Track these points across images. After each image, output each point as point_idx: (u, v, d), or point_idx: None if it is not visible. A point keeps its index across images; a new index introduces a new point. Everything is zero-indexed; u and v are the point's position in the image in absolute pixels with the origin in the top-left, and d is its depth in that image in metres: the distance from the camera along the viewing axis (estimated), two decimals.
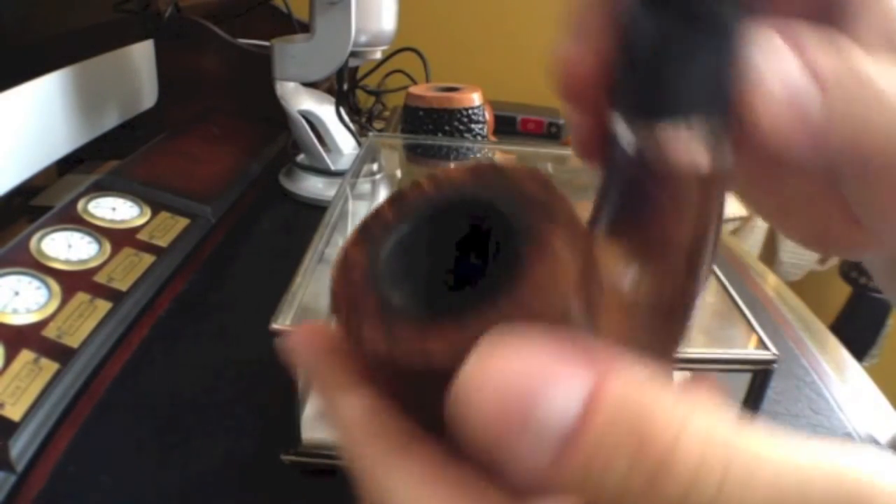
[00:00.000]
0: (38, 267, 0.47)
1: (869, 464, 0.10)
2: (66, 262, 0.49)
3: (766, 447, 0.10)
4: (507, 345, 0.11)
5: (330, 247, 0.47)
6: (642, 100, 0.14)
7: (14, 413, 0.37)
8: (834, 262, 1.21)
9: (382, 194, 0.72)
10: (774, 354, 0.36)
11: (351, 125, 0.77)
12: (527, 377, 0.11)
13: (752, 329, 0.39)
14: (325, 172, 0.75)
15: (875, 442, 0.45)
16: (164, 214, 0.60)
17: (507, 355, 0.11)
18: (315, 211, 0.69)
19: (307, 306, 0.39)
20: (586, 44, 0.16)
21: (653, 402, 0.11)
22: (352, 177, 0.59)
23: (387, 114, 1.08)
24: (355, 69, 0.88)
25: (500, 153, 0.71)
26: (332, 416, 0.15)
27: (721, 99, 0.14)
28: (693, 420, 0.10)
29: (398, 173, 0.72)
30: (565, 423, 0.11)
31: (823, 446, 0.11)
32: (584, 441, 0.11)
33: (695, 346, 0.48)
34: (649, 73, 0.14)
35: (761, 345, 0.37)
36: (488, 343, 0.11)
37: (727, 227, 1.22)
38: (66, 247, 0.51)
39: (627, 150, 0.14)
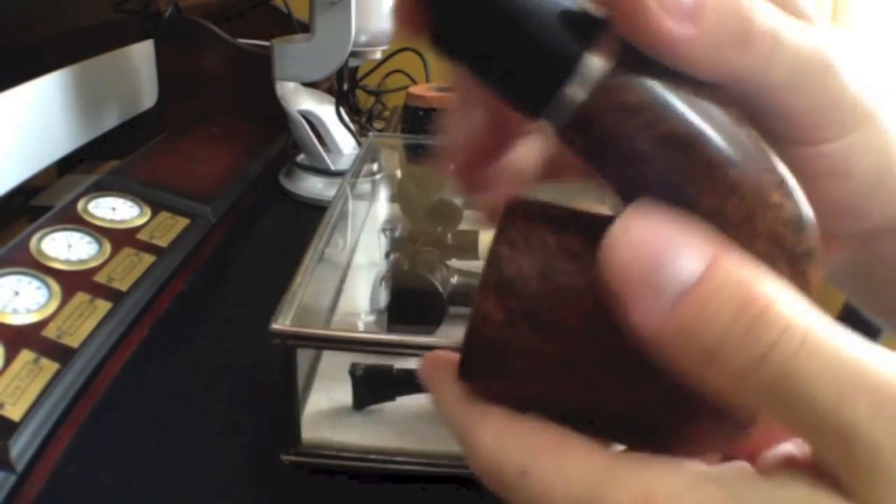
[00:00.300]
0: (38, 267, 0.47)
1: None
2: (66, 262, 0.49)
3: (837, 331, 0.13)
4: (652, 213, 0.14)
5: (330, 247, 0.47)
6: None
7: (14, 413, 0.37)
8: None
9: (382, 194, 0.72)
10: None
11: (351, 125, 0.77)
12: (664, 239, 0.13)
13: None
14: (325, 172, 0.75)
15: None
16: (164, 214, 0.60)
17: (651, 220, 0.13)
18: (315, 211, 0.69)
19: (307, 306, 0.39)
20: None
21: (755, 278, 0.13)
22: (352, 177, 0.59)
23: (387, 114, 1.08)
24: (355, 69, 0.88)
25: None
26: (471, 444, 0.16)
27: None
28: (784, 295, 0.13)
29: (398, 173, 0.72)
30: (686, 279, 0.13)
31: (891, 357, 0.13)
32: (700, 293, 0.13)
33: None
34: None
35: None
36: (637, 207, 0.14)
37: None
38: (66, 247, 0.51)
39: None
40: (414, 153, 0.71)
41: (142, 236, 0.56)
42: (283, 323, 0.35)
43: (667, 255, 0.13)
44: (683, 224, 0.14)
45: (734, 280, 0.13)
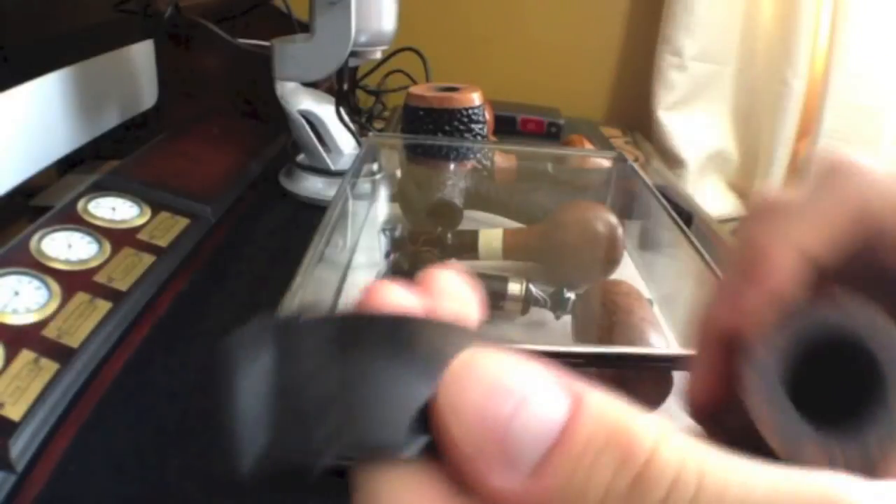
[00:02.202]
0: (38, 267, 0.47)
1: (836, 481, 0.11)
2: (66, 262, 0.49)
3: (735, 464, 0.11)
4: (488, 360, 0.12)
5: (330, 247, 0.47)
6: None
7: (14, 413, 0.37)
8: None
9: (382, 194, 0.72)
10: None
11: (351, 125, 0.77)
12: (510, 382, 0.11)
13: None
14: (325, 172, 0.75)
15: None
16: (164, 214, 0.60)
17: (489, 369, 0.12)
18: (315, 211, 0.69)
19: (307, 306, 0.39)
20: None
21: (629, 418, 0.11)
22: (352, 177, 0.59)
23: (387, 114, 1.08)
24: (355, 69, 0.88)
25: (500, 153, 0.71)
26: None
27: None
28: (668, 435, 0.11)
29: (398, 173, 0.72)
30: (550, 430, 0.11)
31: (791, 469, 0.11)
32: (570, 447, 0.11)
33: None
34: None
35: None
36: (467, 356, 0.12)
37: (727, 227, 1.22)
38: (66, 247, 0.51)
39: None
40: (414, 153, 0.71)
41: (142, 236, 0.56)
42: None
43: (517, 405, 0.11)
44: (526, 362, 0.12)
45: (607, 427, 0.11)
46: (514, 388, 0.11)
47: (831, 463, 0.12)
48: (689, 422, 0.18)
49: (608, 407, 0.11)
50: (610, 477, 0.11)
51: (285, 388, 0.12)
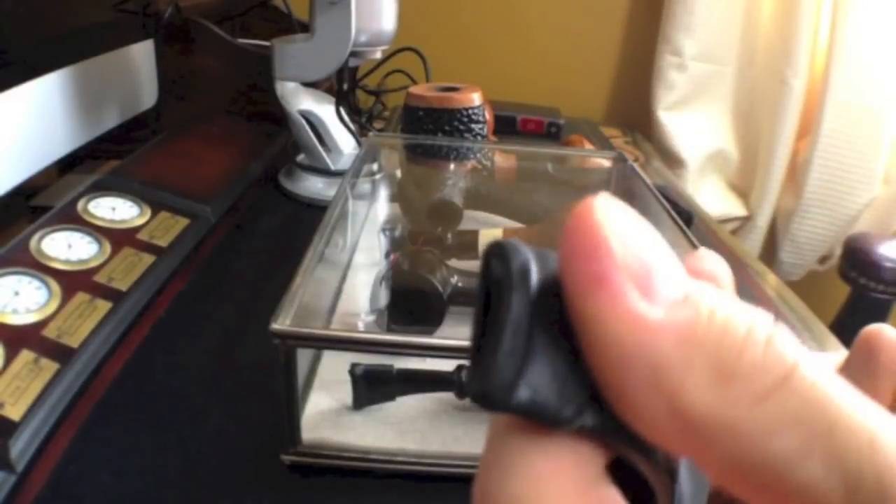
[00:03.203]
0: (38, 267, 0.47)
1: None
2: (66, 262, 0.49)
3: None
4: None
5: (330, 247, 0.47)
6: None
7: (14, 413, 0.37)
8: (834, 262, 1.21)
9: (382, 194, 0.72)
10: None
11: (351, 125, 0.77)
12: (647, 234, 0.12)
13: None
14: (325, 172, 0.75)
15: None
16: (164, 214, 0.60)
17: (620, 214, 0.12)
18: (315, 211, 0.69)
19: (307, 306, 0.39)
20: None
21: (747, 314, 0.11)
22: (352, 177, 0.59)
23: (387, 114, 1.08)
24: (355, 69, 0.88)
25: (500, 153, 0.71)
26: None
27: None
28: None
29: (398, 173, 0.72)
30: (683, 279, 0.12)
31: None
32: (706, 298, 0.11)
33: None
34: None
35: None
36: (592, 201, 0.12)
37: (727, 227, 1.22)
38: (66, 247, 0.51)
39: None
40: (414, 153, 0.71)
41: (142, 236, 0.56)
42: (283, 323, 0.35)
43: (656, 245, 0.12)
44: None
45: (727, 310, 0.11)
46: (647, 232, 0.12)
47: None
48: None
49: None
50: (745, 332, 0.11)
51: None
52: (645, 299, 0.11)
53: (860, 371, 0.17)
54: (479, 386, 0.12)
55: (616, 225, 0.12)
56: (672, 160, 1.21)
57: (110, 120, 0.77)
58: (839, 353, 0.18)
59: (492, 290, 0.12)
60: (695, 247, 0.50)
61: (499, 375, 0.11)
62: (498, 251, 0.12)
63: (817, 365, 0.11)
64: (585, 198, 0.12)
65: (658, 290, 0.11)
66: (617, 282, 0.11)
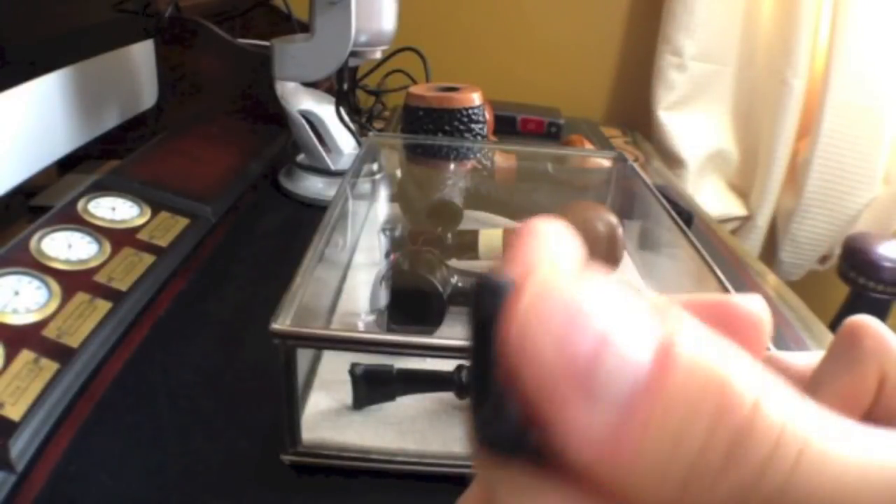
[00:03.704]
0: (38, 267, 0.47)
1: None
2: (66, 261, 0.49)
3: (836, 432, 0.10)
4: (568, 283, 0.10)
5: (330, 247, 0.47)
6: None
7: (14, 413, 0.37)
8: (834, 262, 1.21)
9: (382, 194, 0.72)
10: None
11: (351, 125, 0.77)
12: (592, 319, 0.10)
13: None
14: (325, 172, 0.75)
15: None
16: (164, 214, 0.60)
17: (569, 293, 0.10)
18: (315, 211, 0.69)
19: (307, 306, 0.39)
20: None
21: (727, 366, 0.10)
22: (352, 177, 0.59)
23: (387, 114, 1.08)
24: (355, 69, 0.88)
25: (500, 153, 0.71)
26: None
27: None
28: (771, 389, 0.10)
29: (398, 173, 0.72)
30: (637, 374, 0.09)
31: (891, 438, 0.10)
32: (661, 395, 0.09)
33: None
34: None
35: None
36: (545, 275, 0.10)
37: (727, 227, 1.22)
38: (66, 247, 0.51)
39: None
40: (414, 153, 0.71)
41: (142, 236, 0.56)
42: (283, 323, 0.35)
43: (599, 343, 0.10)
44: (613, 288, 0.10)
45: (701, 376, 0.09)
46: (596, 322, 0.10)
47: None
48: None
49: (703, 351, 0.10)
50: (705, 434, 0.09)
51: None
52: (585, 408, 0.10)
53: (844, 358, 0.17)
54: (488, 433, 0.11)
55: (536, 336, 0.10)
56: (672, 160, 1.21)
57: (110, 120, 0.77)
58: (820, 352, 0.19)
59: (486, 324, 0.12)
60: (695, 247, 0.50)
61: (506, 423, 0.11)
62: (488, 286, 0.12)
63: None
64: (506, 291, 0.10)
65: (598, 398, 0.10)
66: (546, 405, 0.10)
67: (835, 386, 0.17)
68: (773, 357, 0.20)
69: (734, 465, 0.09)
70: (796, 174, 1.20)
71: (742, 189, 1.28)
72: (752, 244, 1.26)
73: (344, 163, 0.75)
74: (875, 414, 0.17)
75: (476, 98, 0.69)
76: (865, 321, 0.18)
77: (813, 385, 0.18)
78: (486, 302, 0.11)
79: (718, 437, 0.09)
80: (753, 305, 0.15)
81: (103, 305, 0.47)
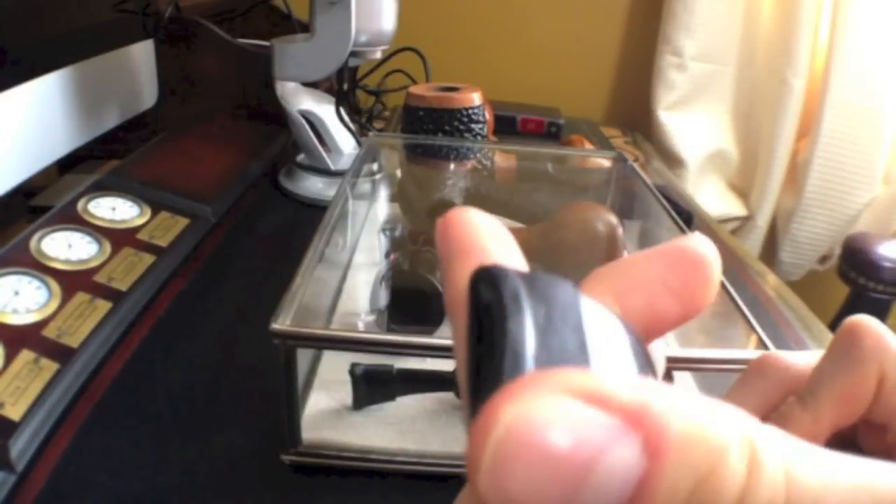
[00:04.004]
0: (38, 267, 0.47)
1: None
2: (66, 261, 0.49)
3: (826, 474, 0.10)
4: (539, 416, 0.09)
5: (330, 247, 0.47)
6: None
7: (14, 413, 0.37)
8: (834, 262, 1.21)
9: (382, 194, 0.72)
10: None
11: (351, 125, 0.77)
12: (572, 454, 0.09)
13: (752, 329, 0.39)
14: (325, 172, 0.75)
15: None
16: (164, 214, 0.60)
17: (542, 432, 0.09)
18: (315, 211, 0.69)
19: (307, 306, 0.39)
20: None
21: (719, 452, 0.10)
22: (352, 177, 0.59)
23: (387, 114, 1.08)
24: (355, 69, 0.88)
25: (500, 153, 0.71)
26: None
27: None
28: (761, 465, 0.10)
29: (398, 173, 0.72)
30: (623, 493, 0.09)
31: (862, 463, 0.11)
32: (655, 495, 0.09)
33: (695, 346, 0.48)
34: None
35: (761, 345, 0.38)
36: (514, 416, 0.09)
37: (727, 227, 1.22)
38: (66, 247, 0.51)
39: None
40: (414, 153, 0.71)
41: (142, 236, 0.56)
42: (283, 323, 0.35)
43: (582, 478, 0.09)
44: (589, 393, 0.10)
45: (692, 473, 0.09)
46: (577, 455, 0.09)
47: None
48: None
49: (694, 444, 0.09)
50: None
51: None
52: None
53: (844, 358, 0.18)
54: None
55: (509, 489, 0.09)
56: (672, 160, 1.21)
57: (110, 120, 0.77)
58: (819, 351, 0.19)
59: (483, 316, 0.12)
60: None
61: None
62: (486, 277, 0.12)
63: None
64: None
65: None
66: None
67: (834, 386, 0.18)
68: (773, 357, 0.20)
69: None
70: (796, 174, 1.20)
71: (742, 189, 1.28)
72: (752, 244, 1.26)
73: (344, 163, 0.75)
74: (875, 413, 0.17)
75: (476, 98, 0.69)
76: (864, 321, 0.18)
77: (813, 384, 0.18)
78: (488, 290, 0.12)
79: None
80: (699, 245, 0.15)
81: (103, 305, 0.47)
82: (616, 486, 0.09)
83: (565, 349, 0.12)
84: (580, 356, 0.12)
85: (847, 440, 0.18)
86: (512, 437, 0.09)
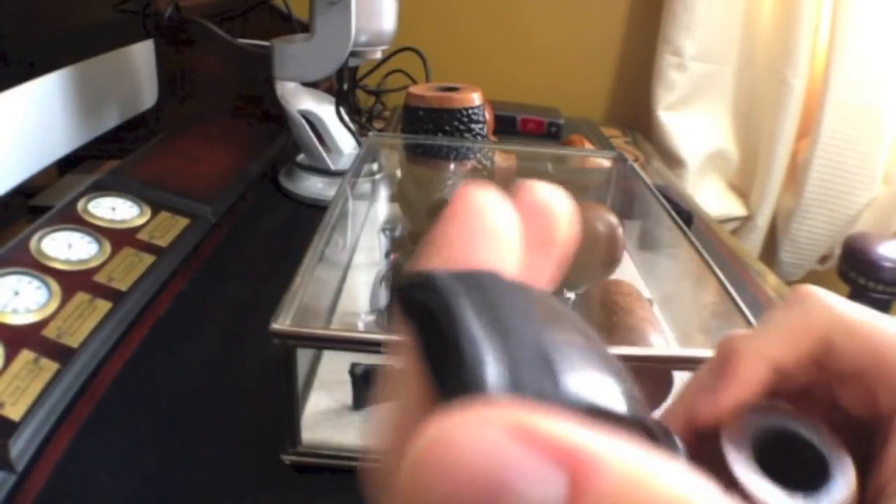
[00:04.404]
0: (38, 267, 0.47)
1: None
2: (66, 261, 0.49)
3: None
4: (462, 430, 0.09)
5: (330, 247, 0.47)
6: None
7: (14, 413, 0.37)
8: (834, 262, 1.21)
9: (382, 194, 0.72)
10: None
11: (351, 125, 0.77)
12: (492, 467, 0.09)
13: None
14: (325, 172, 0.75)
15: None
16: (164, 214, 0.60)
17: (461, 447, 0.09)
18: (315, 211, 0.69)
19: (307, 306, 0.39)
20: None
21: (654, 480, 0.09)
22: (352, 177, 0.59)
23: (387, 114, 1.08)
24: (355, 69, 0.88)
25: (500, 153, 0.71)
26: None
27: None
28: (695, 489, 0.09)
29: (398, 173, 0.72)
30: None
31: None
32: None
33: (695, 346, 0.48)
34: None
35: None
36: (436, 429, 0.09)
37: (727, 227, 1.22)
38: (66, 247, 0.51)
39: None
40: (414, 153, 0.71)
41: (142, 236, 0.56)
42: (283, 323, 0.35)
43: (506, 487, 0.09)
44: (514, 416, 0.09)
45: (624, 490, 0.09)
46: (493, 475, 0.09)
47: None
48: None
49: (630, 491, 0.09)
50: None
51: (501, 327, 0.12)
52: None
53: (789, 325, 0.19)
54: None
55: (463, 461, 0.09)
56: (672, 160, 1.21)
57: (110, 120, 0.77)
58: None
59: (421, 321, 0.12)
60: (695, 247, 0.50)
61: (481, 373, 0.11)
62: (417, 283, 0.12)
63: None
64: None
65: None
66: None
67: (779, 319, 0.19)
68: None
69: None
70: (796, 174, 1.20)
71: (742, 189, 1.28)
72: (752, 244, 1.26)
73: (344, 163, 0.75)
74: (817, 387, 0.19)
75: (476, 98, 0.69)
76: (810, 289, 0.19)
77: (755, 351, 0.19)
78: (422, 293, 0.12)
79: None
80: (544, 194, 0.15)
81: (103, 305, 0.47)
82: None
83: (524, 345, 0.12)
84: (540, 351, 0.12)
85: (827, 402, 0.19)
86: (429, 450, 0.09)
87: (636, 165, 0.67)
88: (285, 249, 0.61)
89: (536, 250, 0.15)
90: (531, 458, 0.09)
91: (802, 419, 0.18)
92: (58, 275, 0.47)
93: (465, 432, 0.09)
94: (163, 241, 0.56)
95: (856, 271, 1.04)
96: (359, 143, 0.77)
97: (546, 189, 0.15)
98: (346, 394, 0.42)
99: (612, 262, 0.57)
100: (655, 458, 0.09)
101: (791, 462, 0.17)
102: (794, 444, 0.17)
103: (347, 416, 0.42)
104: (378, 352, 0.37)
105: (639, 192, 0.64)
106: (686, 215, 0.77)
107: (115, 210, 0.57)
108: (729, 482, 0.16)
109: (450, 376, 0.11)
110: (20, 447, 0.37)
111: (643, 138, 1.24)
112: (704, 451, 0.17)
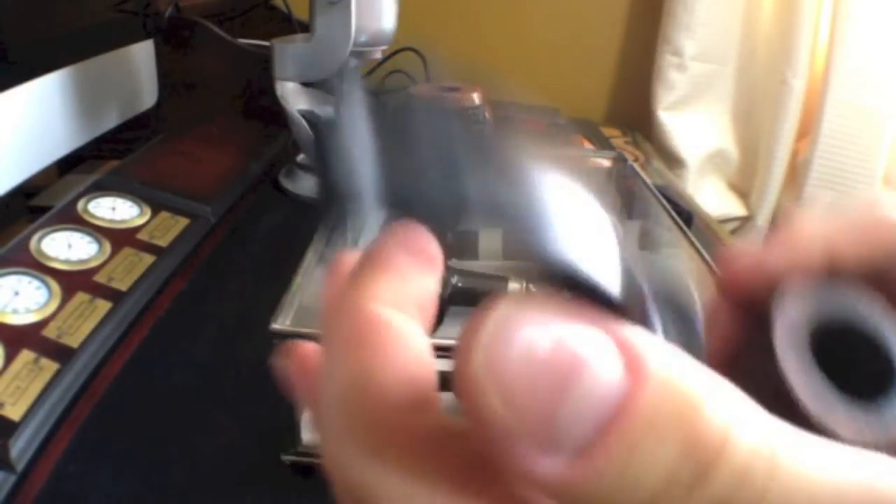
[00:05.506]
0: (38, 267, 0.47)
1: None
2: (66, 262, 0.49)
3: (805, 460, 0.10)
4: (534, 317, 0.10)
5: (330, 247, 0.47)
6: None
7: (14, 413, 0.37)
8: None
9: None
10: None
11: None
12: (564, 354, 0.09)
13: None
14: None
15: None
16: (164, 214, 0.60)
17: (536, 329, 0.10)
18: (315, 211, 0.69)
19: (307, 306, 0.39)
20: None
21: (700, 392, 0.09)
22: None
23: None
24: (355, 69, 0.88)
25: None
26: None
27: None
28: (742, 417, 0.10)
29: None
30: (606, 405, 0.09)
31: (864, 459, 0.10)
32: (629, 426, 0.09)
33: None
34: None
35: None
36: (508, 310, 0.10)
37: (727, 227, 1.22)
38: (66, 247, 0.51)
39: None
40: None
41: (142, 236, 0.56)
42: (283, 323, 0.35)
43: (570, 378, 0.09)
44: (575, 313, 0.10)
45: (673, 403, 0.09)
46: (568, 356, 0.09)
47: (859, 435, 0.12)
48: None
49: (675, 376, 0.09)
50: (671, 465, 0.09)
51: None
52: (546, 456, 0.09)
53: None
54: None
55: (501, 372, 0.10)
56: (672, 160, 1.21)
57: (110, 120, 0.77)
58: None
59: (318, 149, 0.13)
60: (695, 247, 0.50)
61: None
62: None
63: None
64: (475, 326, 0.11)
65: (562, 439, 0.09)
66: (503, 450, 0.10)
67: (839, 238, 0.16)
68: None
69: (701, 491, 0.09)
70: (796, 174, 1.20)
71: (742, 189, 1.28)
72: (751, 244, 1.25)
73: None
74: None
75: (476, 98, 0.68)
76: (883, 194, 0.17)
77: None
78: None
79: (686, 469, 0.09)
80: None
81: (103, 305, 0.47)
82: (597, 401, 0.09)
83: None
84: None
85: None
86: (502, 329, 0.10)
87: (636, 165, 0.67)
88: (285, 249, 0.61)
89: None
90: (604, 341, 0.10)
91: (871, 304, 0.14)
92: (58, 275, 0.47)
93: (534, 312, 0.10)
94: (163, 241, 0.56)
95: None
96: None
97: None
98: None
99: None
100: (703, 379, 0.10)
101: (851, 355, 0.14)
102: (855, 333, 0.14)
103: None
104: None
105: (639, 192, 0.64)
106: (686, 215, 0.77)
107: (115, 210, 0.57)
108: (778, 386, 0.13)
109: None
110: (20, 447, 0.37)
111: (643, 138, 1.24)
112: (755, 343, 0.14)
